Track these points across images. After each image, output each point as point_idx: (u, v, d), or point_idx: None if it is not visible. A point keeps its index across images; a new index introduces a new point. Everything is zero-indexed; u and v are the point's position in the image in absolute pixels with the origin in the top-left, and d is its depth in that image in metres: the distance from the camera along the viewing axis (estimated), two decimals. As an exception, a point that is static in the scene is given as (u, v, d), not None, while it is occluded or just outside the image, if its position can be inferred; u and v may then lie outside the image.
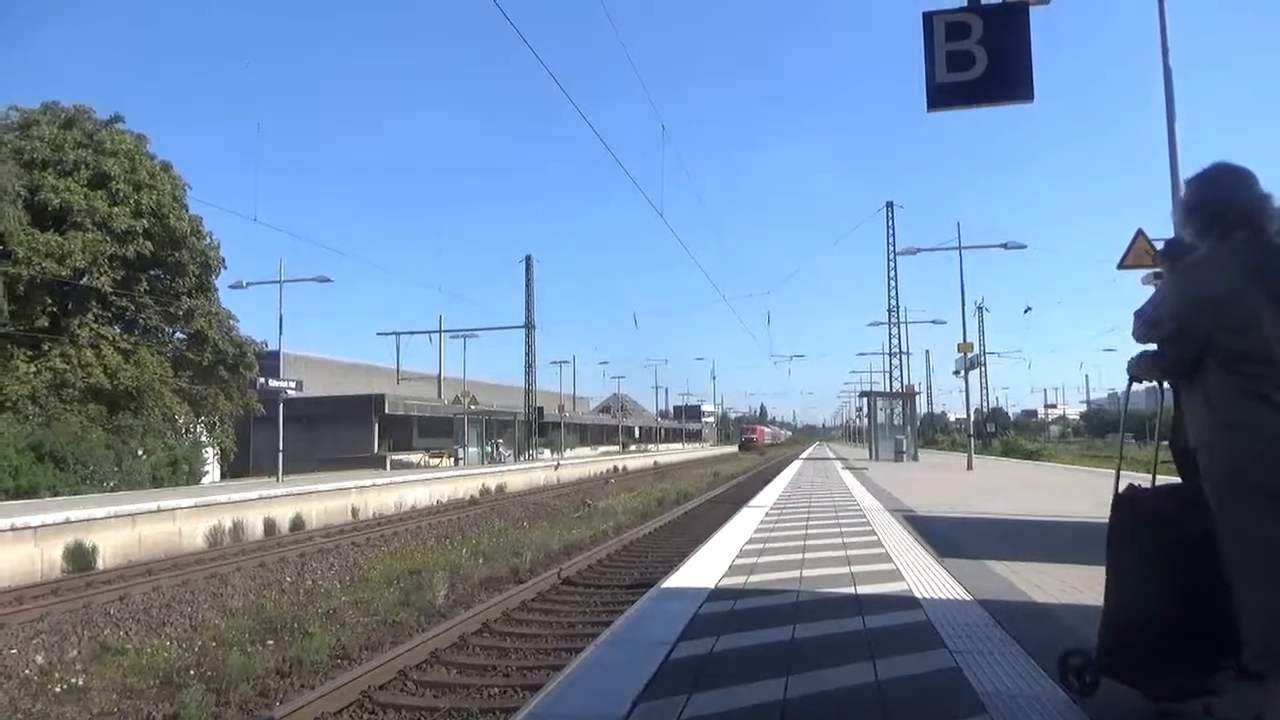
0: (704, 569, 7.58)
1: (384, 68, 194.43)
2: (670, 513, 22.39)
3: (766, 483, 23.44)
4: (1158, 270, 10.75)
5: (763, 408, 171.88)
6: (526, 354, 53.64)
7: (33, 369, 29.03)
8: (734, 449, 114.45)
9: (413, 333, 51.25)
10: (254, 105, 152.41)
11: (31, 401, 28.44)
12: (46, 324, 29.99)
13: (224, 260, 35.58)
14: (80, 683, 8.06)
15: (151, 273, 33.39)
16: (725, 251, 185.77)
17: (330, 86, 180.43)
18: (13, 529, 14.03)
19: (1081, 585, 6.09)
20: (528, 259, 52.82)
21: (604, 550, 15.29)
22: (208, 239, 34.85)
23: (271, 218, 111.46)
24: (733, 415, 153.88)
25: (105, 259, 30.37)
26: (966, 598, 5.99)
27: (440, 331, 49.63)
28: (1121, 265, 12.80)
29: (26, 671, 8.65)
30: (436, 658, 8.40)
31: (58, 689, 7.89)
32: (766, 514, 12.78)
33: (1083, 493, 15.79)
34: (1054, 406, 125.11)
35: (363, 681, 7.36)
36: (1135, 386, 3.61)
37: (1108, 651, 3.36)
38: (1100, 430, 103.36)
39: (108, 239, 30.27)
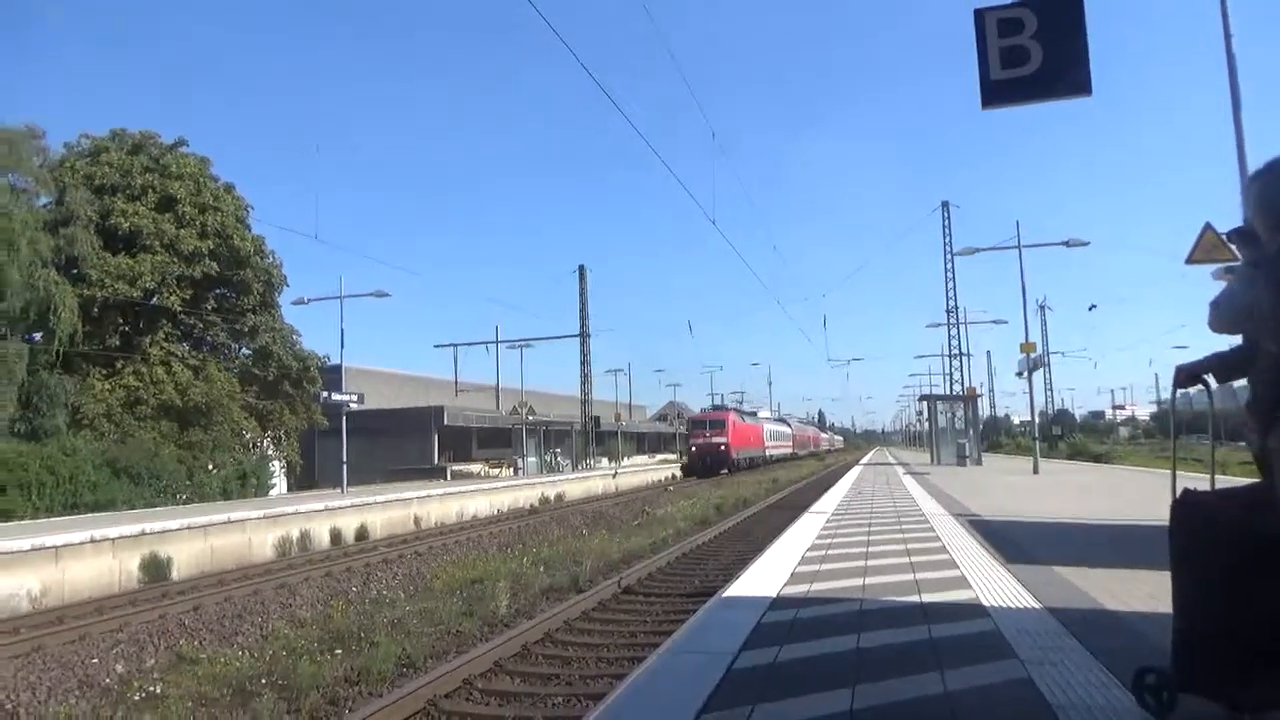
0: (765, 577, 7.52)
1: (438, 84, 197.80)
2: (729, 519, 22.27)
3: (827, 489, 23.20)
4: (1229, 264, 10.39)
5: (820, 413, 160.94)
6: (582, 363, 53.95)
7: (107, 387, 30.14)
8: (806, 450, 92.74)
9: (470, 344, 51.96)
10: (313, 124, 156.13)
11: (107, 419, 29.51)
12: (119, 343, 31.11)
13: (286, 278, 36.60)
14: (158, 691, 8.30)
15: (217, 291, 34.44)
16: (779, 256, 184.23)
17: (388, 104, 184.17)
18: (92, 541, 14.54)
19: (1157, 593, 5.90)
20: (581, 269, 53.19)
21: (664, 558, 15.27)
22: (270, 257, 35.87)
23: (331, 235, 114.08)
24: (769, 412, 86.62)
25: (173, 279, 31.44)
26: (1036, 605, 5.84)
27: (497, 342, 50.26)
28: (1190, 260, 12.40)
29: (107, 680, 8.95)
30: (500, 667, 8.47)
31: (136, 697, 8.14)
32: (828, 520, 12.64)
33: (1155, 496, 15.31)
34: (1122, 407, 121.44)
35: (428, 690, 7.45)
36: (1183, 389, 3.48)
37: (1182, 666, 3.23)
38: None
39: (175, 260, 31.33)
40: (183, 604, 12.84)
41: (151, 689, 8.32)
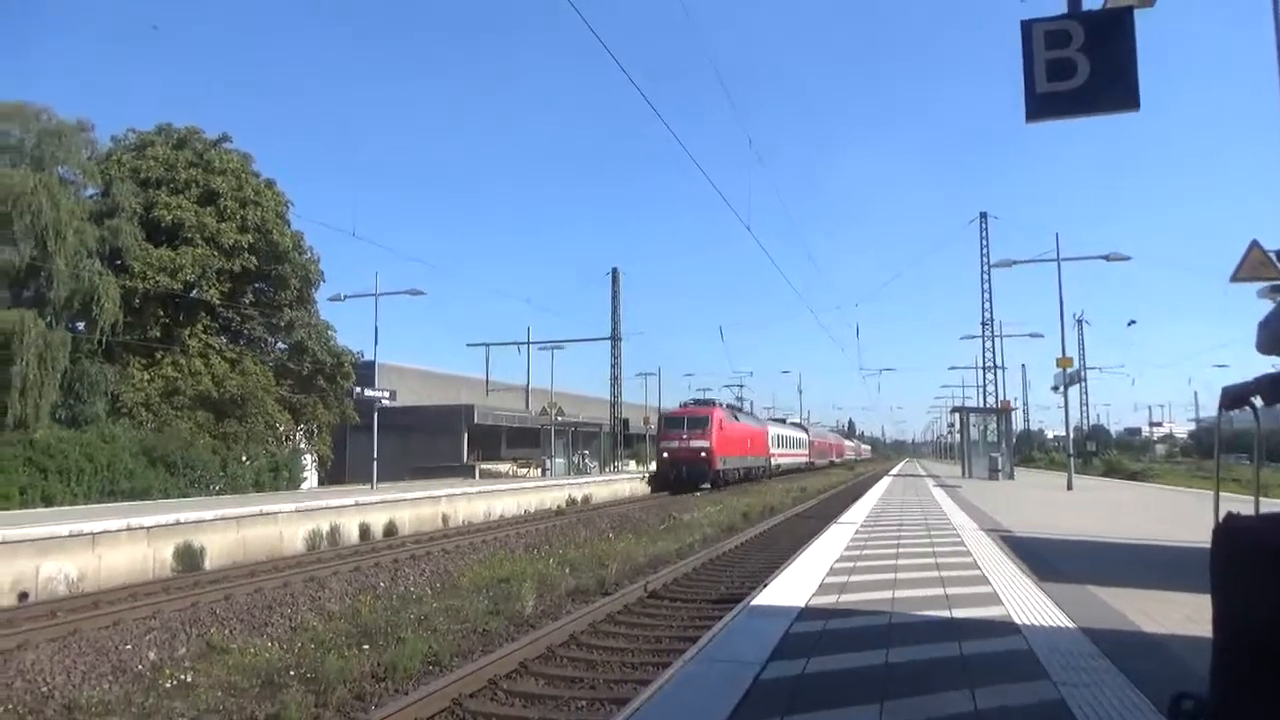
0: (794, 586, 7.49)
1: (478, 85, 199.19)
2: (756, 527, 22.17)
3: (856, 499, 23.04)
4: (1276, 283, 10.19)
5: (850, 422, 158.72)
6: (612, 366, 54.01)
7: (147, 377, 30.69)
8: (826, 460, 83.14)
9: (502, 344, 52.15)
10: (352, 122, 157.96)
11: (145, 408, 30.05)
12: (159, 334, 31.66)
13: (323, 273, 37.01)
14: (189, 679, 8.40)
15: (255, 286, 34.93)
16: (813, 264, 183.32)
17: (424, 104, 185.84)
18: (128, 529, 14.78)
19: (1196, 616, 5.79)
20: (614, 272, 53.22)
21: (690, 564, 15.23)
22: (308, 253, 36.33)
23: (368, 231, 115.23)
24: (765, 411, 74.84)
25: (213, 273, 31.95)
26: (1069, 625, 5.77)
27: (528, 343, 50.38)
28: (1235, 278, 12.16)
29: (140, 666, 9.08)
30: (525, 668, 8.49)
31: (168, 684, 8.25)
32: (856, 531, 12.56)
33: (1193, 516, 15.03)
34: (1159, 424, 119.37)
35: (454, 689, 7.48)
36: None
37: (1220, 693, 3.16)
38: (1212, 450, 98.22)
39: (216, 253, 31.84)
40: (214, 593, 13.01)
41: (183, 677, 8.43)
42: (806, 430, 75.68)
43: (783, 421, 69.51)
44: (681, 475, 39.25)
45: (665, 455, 40.57)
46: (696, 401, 45.93)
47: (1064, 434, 33.96)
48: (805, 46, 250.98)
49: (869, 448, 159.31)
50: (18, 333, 24.96)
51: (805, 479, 52.67)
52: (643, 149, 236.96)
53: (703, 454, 39.55)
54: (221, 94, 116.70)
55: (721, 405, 45.46)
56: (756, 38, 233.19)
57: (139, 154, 33.00)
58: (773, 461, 54.55)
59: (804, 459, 68.63)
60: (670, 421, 42.56)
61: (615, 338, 52.86)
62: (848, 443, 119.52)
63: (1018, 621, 5.90)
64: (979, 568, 8.59)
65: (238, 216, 32.74)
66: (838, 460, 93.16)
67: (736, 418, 47.16)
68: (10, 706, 7.57)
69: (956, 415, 46.32)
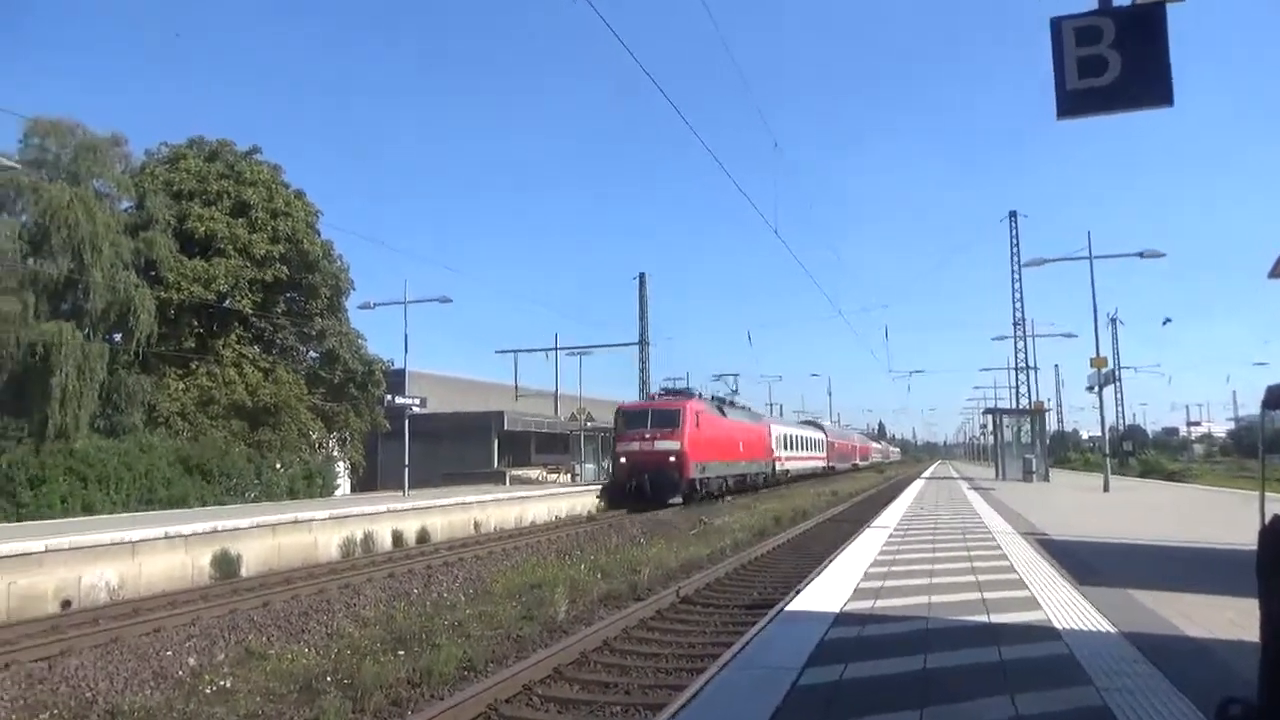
0: (828, 591, 7.45)
1: (503, 91, 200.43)
2: (788, 531, 22.07)
3: (888, 503, 22.88)
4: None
5: (881, 425, 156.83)
6: (640, 371, 53.98)
7: (182, 386, 31.17)
8: (849, 464, 74.75)
9: (530, 350, 52.37)
10: (381, 131, 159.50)
11: (181, 417, 30.51)
12: (194, 344, 32.14)
13: (353, 282, 37.38)
14: (228, 685, 8.51)
15: (287, 295, 35.36)
16: (840, 266, 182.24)
17: (451, 111, 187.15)
18: (166, 537, 15.00)
19: (1241, 620, 5.68)
20: (641, 276, 53.28)
21: (722, 569, 15.19)
22: (338, 262, 36.68)
23: (395, 239, 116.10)
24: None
25: (245, 283, 32.39)
26: (1110, 630, 5.68)
27: (556, 349, 50.54)
28: (1273, 274, 11.95)
29: (180, 672, 9.21)
30: (559, 674, 8.51)
31: (208, 690, 8.36)
32: (890, 535, 12.47)
33: (1236, 517, 14.76)
34: (1197, 424, 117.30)
35: (489, 695, 7.52)
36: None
37: (1271, 699, 3.10)
38: (1252, 449, 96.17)
39: (248, 264, 32.28)
40: (252, 600, 13.16)
41: (222, 683, 8.54)
42: (823, 430, 67.23)
43: (786, 421, 60.12)
44: (643, 487, 30.47)
45: (623, 460, 31.88)
46: (667, 391, 36.20)
47: (1099, 434, 33.50)
48: (829, 47, 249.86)
49: (898, 450, 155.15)
50: (57, 344, 25.47)
51: (835, 484, 50.83)
52: (669, 155, 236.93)
53: (671, 458, 30.67)
54: (246, 102, 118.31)
55: (700, 396, 36.63)
56: (780, 39, 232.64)
57: (172, 167, 33.54)
58: (779, 466, 46.81)
59: (820, 463, 60.75)
60: (630, 417, 33.30)
61: (643, 342, 52.88)
62: (874, 444, 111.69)
63: (1057, 626, 5.82)
64: (1016, 572, 8.50)
65: (269, 227, 33.16)
66: (862, 464, 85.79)
67: (723, 412, 38.30)
68: (56, 712, 7.71)
69: (989, 417, 45.86)
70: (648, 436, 31.48)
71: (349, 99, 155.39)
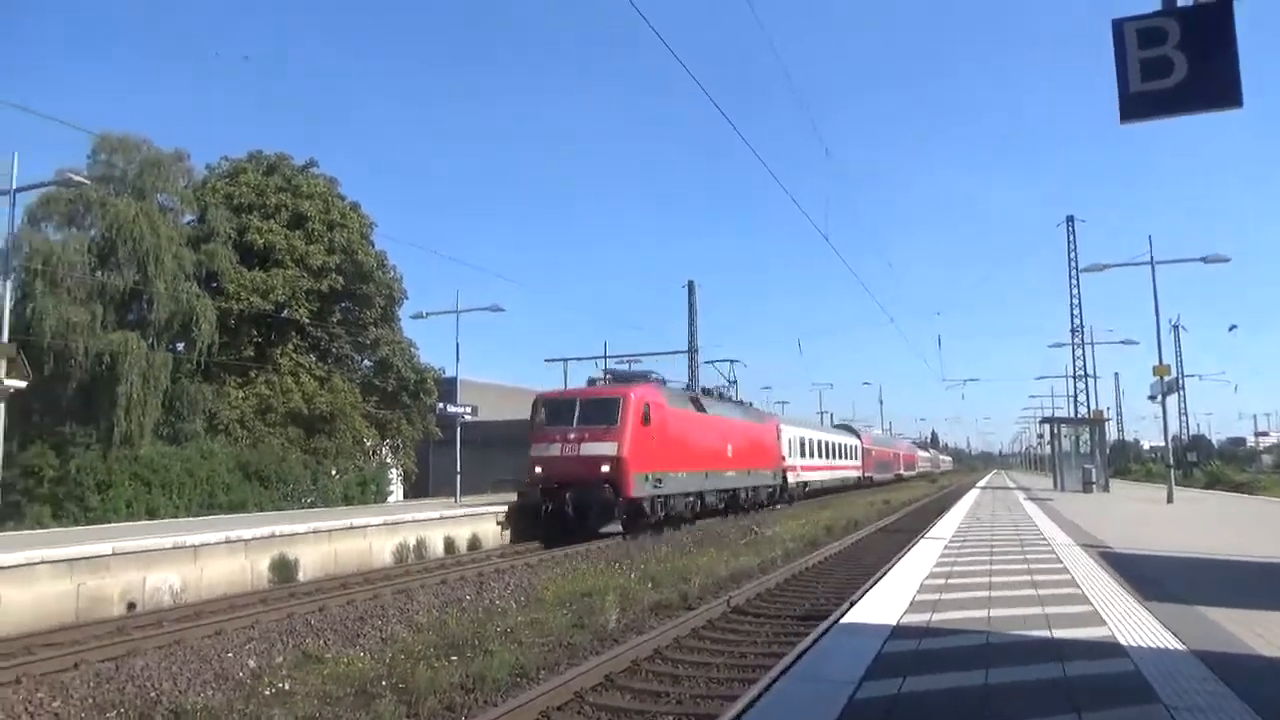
0: (884, 604, 7.34)
1: (554, 101, 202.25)
2: (840, 541, 21.80)
3: (942, 513, 22.51)
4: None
5: (933, 433, 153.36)
6: (689, 379, 53.84)
7: (241, 395, 31.92)
8: (890, 474, 67.04)
9: (580, 359, 52.49)
10: (430, 142, 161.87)
11: (240, 424, 31.24)
12: (252, 354, 32.93)
13: (406, 292, 37.96)
14: (286, 687, 8.65)
15: (342, 305, 36.02)
16: (892, 273, 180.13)
17: (502, 122, 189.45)
18: (227, 542, 15.35)
19: (1318, 638, 5.49)
20: (690, 284, 53.16)
21: (773, 579, 15.07)
22: (391, 272, 37.29)
23: (449, 249, 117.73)
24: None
25: (302, 293, 33.11)
26: (1179, 647, 5.51)
27: (605, 357, 50.61)
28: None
29: (240, 674, 9.39)
30: (611, 682, 8.51)
31: (267, 692, 8.51)
32: (946, 546, 12.26)
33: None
34: (1265, 434, 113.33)
35: (541, 702, 7.55)
36: None
37: None
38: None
39: (305, 275, 33.00)
40: (309, 604, 13.39)
41: (281, 685, 8.68)
42: (857, 434, 58.83)
43: (810, 425, 50.52)
44: (563, 509, 21.80)
45: (538, 470, 23.01)
46: (615, 376, 27.12)
47: (1161, 444, 32.58)
48: (880, 49, 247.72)
49: (949, 459, 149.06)
50: (123, 353, 26.27)
51: (887, 493, 48.26)
52: (719, 166, 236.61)
53: (604, 468, 21.84)
54: (302, 117, 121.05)
55: (661, 382, 26.98)
56: (831, 42, 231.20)
57: (231, 180, 34.42)
58: (792, 478, 38.47)
59: (853, 473, 53.08)
60: (551, 409, 24.62)
61: (692, 350, 52.76)
62: (921, 452, 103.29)
63: (1123, 642, 5.67)
64: (1078, 585, 8.29)
65: (325, 239, 33.87)
66: (908, 473, 78.24)
67: (700, 406, 28.61)
68: (122, 710, 7.91)
69: (1046, 426, 44.89)
70: (573, 438, 22.94)
71: (402, 113, 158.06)
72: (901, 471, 75.46)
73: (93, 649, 10.31)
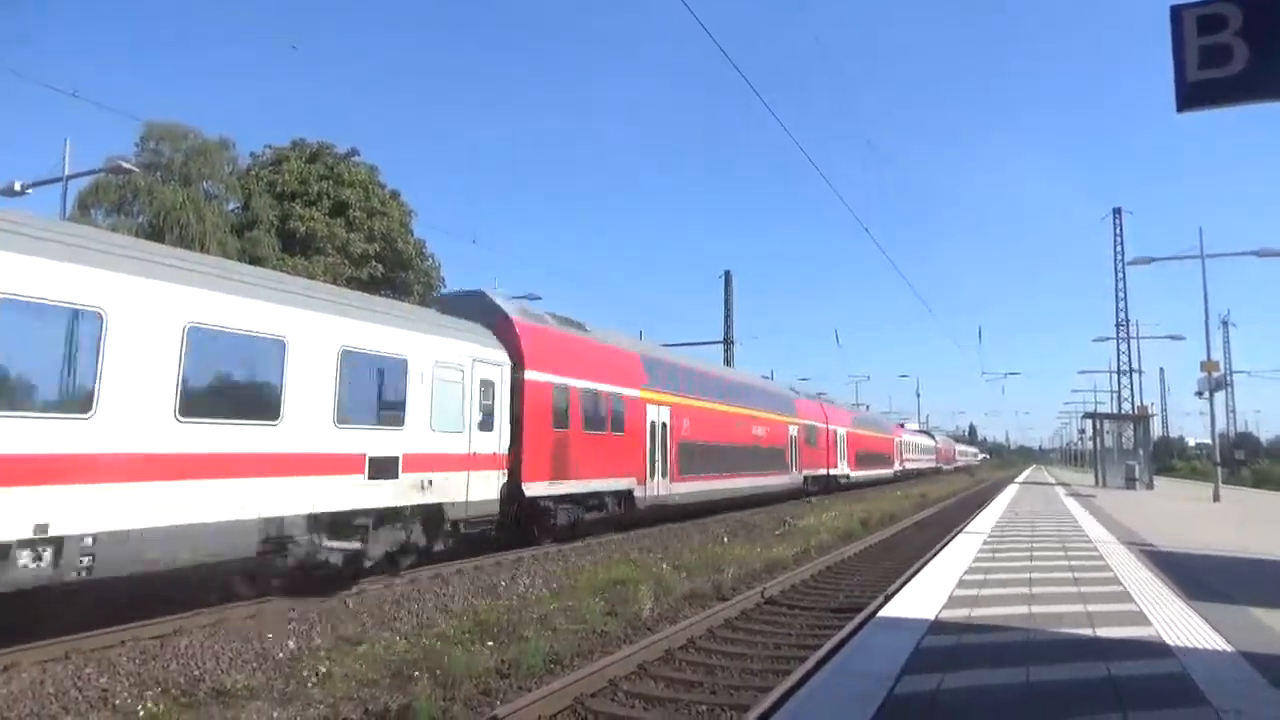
0: (921, 598, 7.26)
1: (591, 93, 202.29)
2: (875, 534, 21.61)
3: (980, 507, 22.23)
4: None
5: (972, 427, 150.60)
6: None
7: (283, 381, 32.36)
8: (930, 462, 64.71)
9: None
10: (476, 135, 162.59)
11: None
12: (295, 340, 33.34)
13: (444, 280, 38.23)
14: (325, 669, 8.77)
15: (382, 292, 36.30)
16: (934, 266, 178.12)
17: (542, 114, 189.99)
18: (268, 524, 15.54)
19: (1374, 643, 5.33)
20: (727, 275, 52.92)
21: (807, 571, 14.97)
22: (430, 260, 37.54)
23: (488, 238, 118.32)
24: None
25: (343, 280, 33.41)
26: (1227, 648, 5.38)
27: (641, 347, 50.50)
28: None
29: (280, 655, 9.54)
30: (645, 670, 8.51)
31: (305, 673, 8.64)
32: (984, 541, 12.10)
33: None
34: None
35: (575, 688, 7.57)
36: None
37: None
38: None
39: (346, 262, 33.33)
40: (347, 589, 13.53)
41: (320, 667, 8.80)
42: (933, 436, 60.07)
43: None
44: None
45: None
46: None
47: (1207, 441, 31.85)
48: (925, 40, 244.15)
49: (979, 453, 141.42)
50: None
51: (923, 486, 47.95)
52: (761, 161, 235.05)
53: None
54: (348, 105, 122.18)
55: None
56: (879, 37, 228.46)
57: (275, 168, 34.84)
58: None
59: (929, 464, 53.66)
60: None
61: (729, 341, 52.51)
62: (958, 446, 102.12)
63: (1169, 642, 5.55)
64: (1121, 583, 8.13)
65: (366, 226, 34.18)
66: (947, 467, 77.03)
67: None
68: (167, 688, 8.08)
69: (1089, 421, 44.07)
70: None
71: (446, 105, 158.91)
72: (942, 464, 76.88)
73: (140, 626, 10.51)
